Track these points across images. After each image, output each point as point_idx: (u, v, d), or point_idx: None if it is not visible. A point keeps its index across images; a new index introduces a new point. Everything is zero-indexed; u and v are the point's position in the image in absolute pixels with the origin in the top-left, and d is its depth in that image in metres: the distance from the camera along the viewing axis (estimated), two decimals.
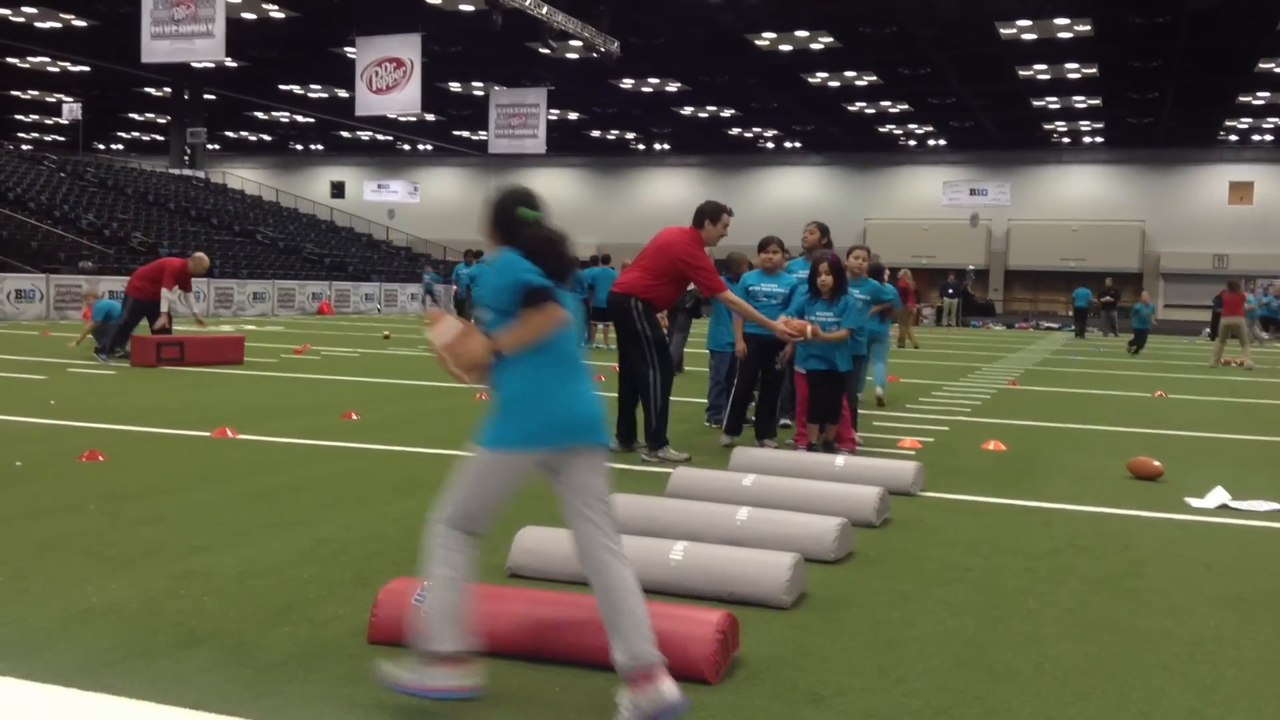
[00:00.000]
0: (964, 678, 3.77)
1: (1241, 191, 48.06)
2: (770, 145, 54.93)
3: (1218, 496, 7.12)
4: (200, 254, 15.90)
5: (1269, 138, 47.47)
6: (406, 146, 60.19)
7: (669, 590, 4.53)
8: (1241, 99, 39.53)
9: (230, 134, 59.05)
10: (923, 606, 4.60)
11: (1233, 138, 48.07)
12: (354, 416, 10.00)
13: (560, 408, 3.44)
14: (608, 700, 3.45)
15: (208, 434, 8.71)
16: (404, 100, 30.10)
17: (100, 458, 7.45)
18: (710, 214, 8.19)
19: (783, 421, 9.49)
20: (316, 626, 4.10)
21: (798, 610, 4.48)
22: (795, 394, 8.62)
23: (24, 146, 53.22)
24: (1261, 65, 34.11)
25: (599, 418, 3.53)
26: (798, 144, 54.16)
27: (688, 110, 46.12)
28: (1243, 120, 44.04)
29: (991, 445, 9.26)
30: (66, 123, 48.19)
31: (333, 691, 3.47)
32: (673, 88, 41.61)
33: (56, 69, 42.89)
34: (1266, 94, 38.57)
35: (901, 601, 4.67)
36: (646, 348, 8.07)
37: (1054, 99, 40.88)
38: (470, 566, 3.50)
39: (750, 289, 8.78)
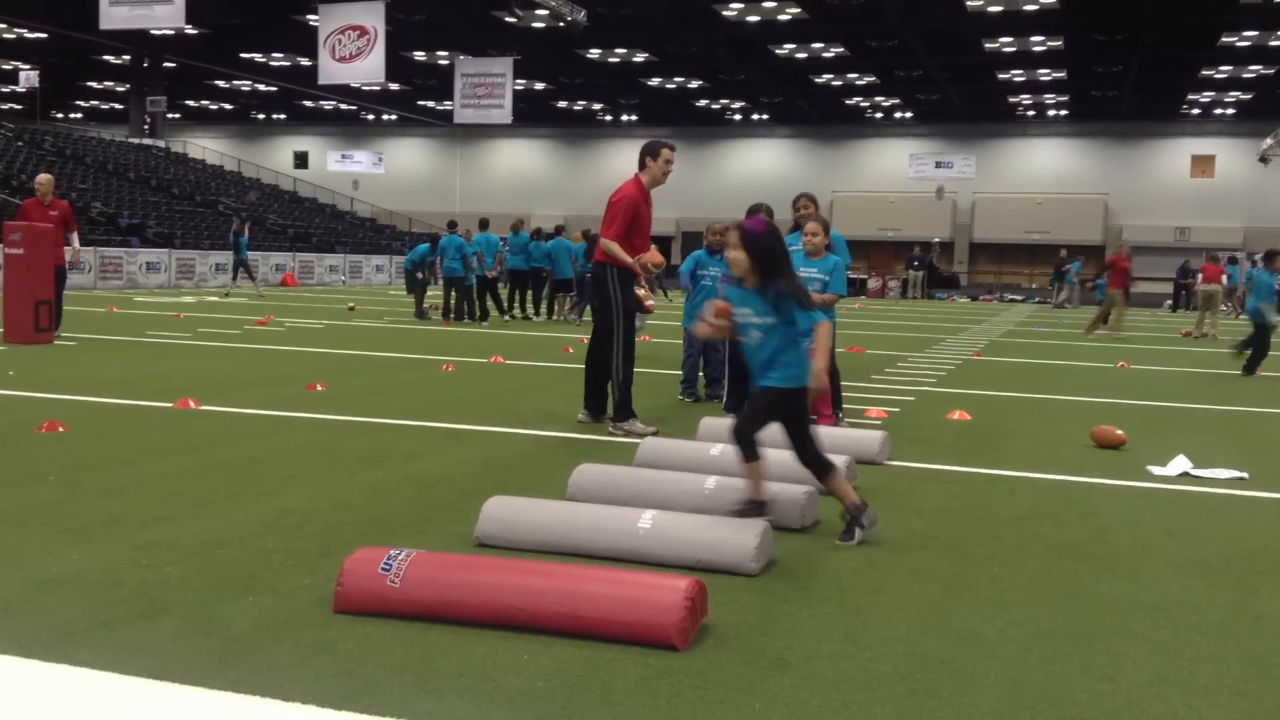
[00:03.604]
0: (930, 643, 3.79)
1: (1203, 165, 48.56)
2: (738, 117, 54.83)
3: (1179, 464, 7.19)
4: (40, 177, 14.62)
5: (1231, 111, 47.88)
6: (371, 116, 59.62)
7: (637, 558, 4.53)
8: (1204, 73, 39.83)
9: (191, 103, 58.26)
10: (889, 573, 4.62)
11: (1195, 111, 48.46)
12: (319, 388, 9.92)
13: None
14: (574, 667, 3.45)
15: (170, 405, 8.61)
16: (368, 69, 29.74)
17: (60, 429, 7.35)
18: (649, 151, 8.10)
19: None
20: (281, 596, 4.06)
21: (765, 577, 4.48)
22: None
23: None
24: (1224, 39, 34.36)
25: None
26: (765, 116, 54.09)
27: (655, 81, 45.92)
28: (1205, 94, 44.39)
29: (956, 415, 9.32)
30: (23, 90, 47.32)
31: (299, 661, 3.44)
32: (640, 58, 41.40)
33: (12, 35, 42.08)
34: (1229, 68, 38.88)
35: (868, 569, 4.69)
36: (614, 316, 8.04)
37: (1019, 72, 41.04)
38: None
39: None
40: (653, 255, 8.05)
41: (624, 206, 7.98)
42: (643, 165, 8.12)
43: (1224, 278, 22.65)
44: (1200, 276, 23.27)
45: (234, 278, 28.51)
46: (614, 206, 8.04)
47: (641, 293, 8.53)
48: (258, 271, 29.18)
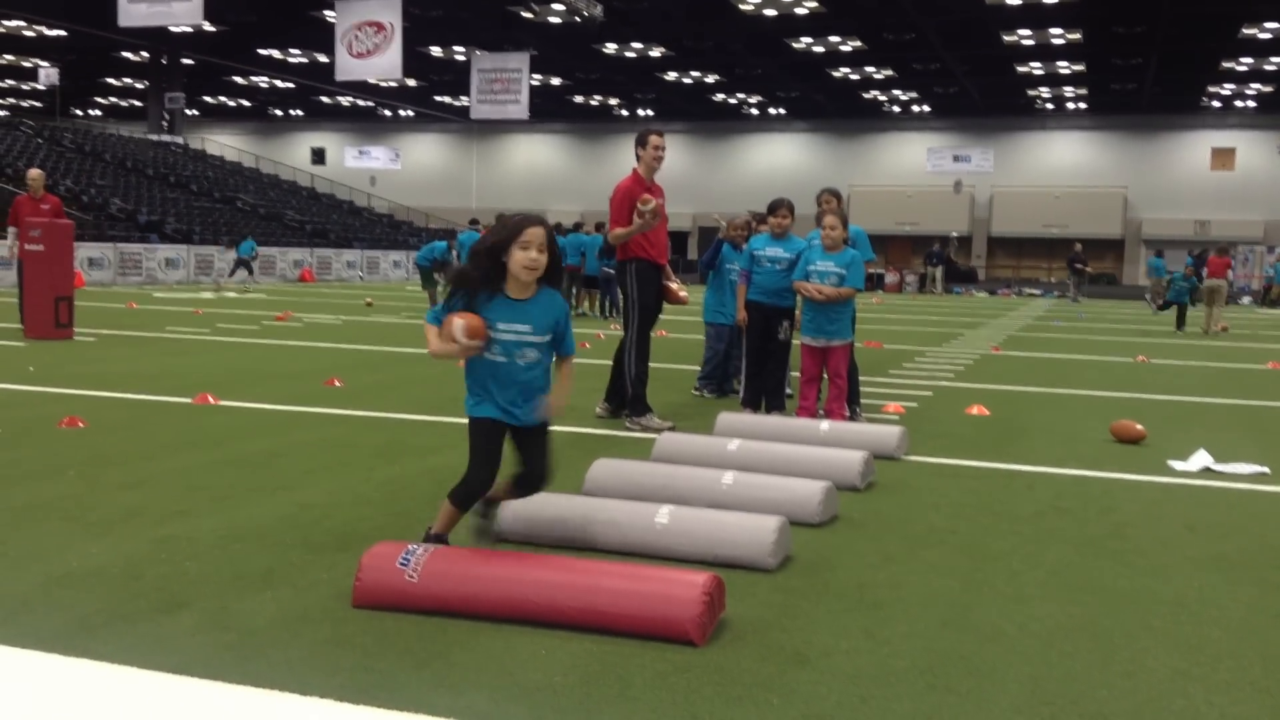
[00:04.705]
0: (949, 639, 3.77)
1: (1223, 158, 48.16)
2: (755, 112, 54.67)
3: (1200, 459, 7.14)
4: (31, 172, 14.64)
5: (1251, 104, 47.50)
6: (387, 112, 59.72)
7: (655, 554, 4.53)
8: (1224, 65, 39.51)
9: (209, 99, 58.47)
10: (908, 569, 4.61)
11: (1215, 104, 48.08)
12: (337, 383, 9.95)
13: None
14: (592, 662, 3.44)
15: (188, 400, 8.65)
16: (385, 65, 29.81)
17: (80, 424, 7.38)
18: (639, 142, 8.29)
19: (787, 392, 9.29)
20: (300, 591, 4.07)
21: (783, 573, 4.47)
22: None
23: (0, 112, 52.59)
24: (1245, 31, 34.08)
25: None
26: (782, 110, 53.94)
27: (671, 76, 45.84)
28: (1225, 86, 44.05)
29: (975, 410, 9.28)
30: (44, 88, 47.60)
31: (318, 656, 3.45)
32: (656, 53, 41.33)
33: (32, 33, 42.30)
34: (1249, 60, 38.56)
35: (886, 564, 4.67)
36: (630, 310, 8.13)
37: (1038, 65, 40.79)
38: None
39: (755, 253, 8.47)
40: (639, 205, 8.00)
41: (619, 199, 8.14)
42: (637, 157, 8.32)
43: (1229, 271, 22.13)
44: (1205, 271, 22.94)
45: (233, 274, 29.67)
46: (612, 202, 8.24)
47: (674, 285, 8.53)
48: (238, 273, 29.78)
